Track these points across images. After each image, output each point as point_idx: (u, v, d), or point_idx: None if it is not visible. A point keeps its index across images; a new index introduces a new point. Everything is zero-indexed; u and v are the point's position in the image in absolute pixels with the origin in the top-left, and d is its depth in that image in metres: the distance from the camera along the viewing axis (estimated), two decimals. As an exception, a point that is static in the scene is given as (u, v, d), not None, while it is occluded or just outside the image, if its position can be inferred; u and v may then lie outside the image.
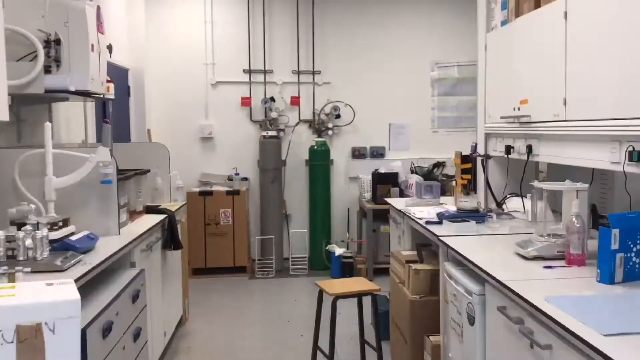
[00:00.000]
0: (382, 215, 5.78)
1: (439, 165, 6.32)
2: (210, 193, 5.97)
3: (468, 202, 3.34)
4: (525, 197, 3.34)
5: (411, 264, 3.36)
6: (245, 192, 6.06)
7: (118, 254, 2.78)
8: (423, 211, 3.67)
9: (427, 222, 3.30)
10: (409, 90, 6.45)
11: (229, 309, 5.06)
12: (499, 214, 3.32)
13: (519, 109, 3.13)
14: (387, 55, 6.45)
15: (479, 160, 3.83)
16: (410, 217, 3.68)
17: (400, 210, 3.99)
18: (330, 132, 6.35)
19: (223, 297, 5.36)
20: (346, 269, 5.94)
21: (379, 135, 6.49)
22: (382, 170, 5.98)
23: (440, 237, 2.94)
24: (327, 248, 6.05)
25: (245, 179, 6.29)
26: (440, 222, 3.28)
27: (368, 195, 6.09)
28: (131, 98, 5.77)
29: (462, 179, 3.99)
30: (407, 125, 6.52)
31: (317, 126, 6.34)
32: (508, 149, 3.33)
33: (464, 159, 3.98)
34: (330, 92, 6.42)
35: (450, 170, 6.34)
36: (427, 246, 3.41)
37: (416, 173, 6.02)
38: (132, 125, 5.79)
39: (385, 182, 5.85)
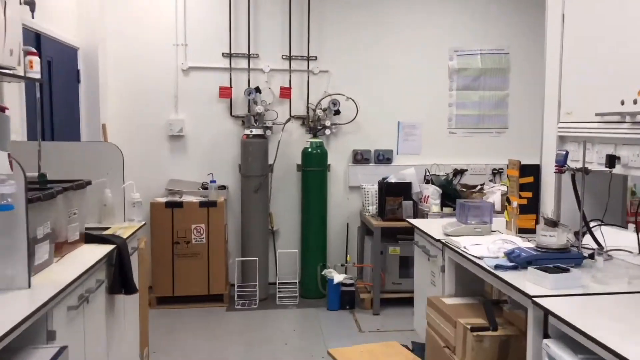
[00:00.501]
0: (391, 234, 4.79)
1: (458, 173, 5.33)
2: (179, 204, 4.88)
3: (555, 238, 2.29)
4: (625, 228, 2.37)
5: (469, 329, 2.29)
6: (222, 203, 5.00)
7: (18, 330, 1.66)
8: (478, 245, 2.62)
9: (497, 267, 2.25)
10: (422, 82, 5.44)
11: (200, 355, 3.95)
12: (599, 254, 2.28)
13: (635, 102, 2.18)
14: (397, 40, 5.41)
15: (548, 173, 2.83)
16: (459, 253, 2.63)
17: (438, 240, 2.93)
18: (327, 132, 5.28)
19: (194, 338, 4.25)
20: (346, 299, 4.90)
21: (385, 137, 5.45)
22: (392, 180, 4.92)
23: (536, 299, 1.89)
24: (322, 274, 4.98)
25: (223, 187, 5.24)
26: (517, 267, 2.23)
27: (373, 209, 5.03)
28: (81, 85, 4.67)
29: (521, 197, 3.00)
30: (419, 125, 5.48)
31: (312, 124, 5.26)
32: (612, 160, 2.32)
33: (524, 170, 3.00)
34: (328, 82, 5.37)
35: (470, 179, 5.36)
36: (500, 303, 2.36)
37: (432, 183, 5.01)
38: (83, 120, 4.69)
39: (395, 194, 4.79)
